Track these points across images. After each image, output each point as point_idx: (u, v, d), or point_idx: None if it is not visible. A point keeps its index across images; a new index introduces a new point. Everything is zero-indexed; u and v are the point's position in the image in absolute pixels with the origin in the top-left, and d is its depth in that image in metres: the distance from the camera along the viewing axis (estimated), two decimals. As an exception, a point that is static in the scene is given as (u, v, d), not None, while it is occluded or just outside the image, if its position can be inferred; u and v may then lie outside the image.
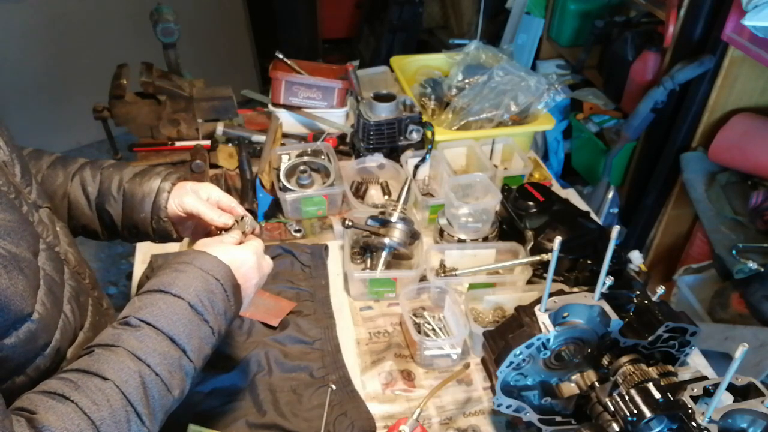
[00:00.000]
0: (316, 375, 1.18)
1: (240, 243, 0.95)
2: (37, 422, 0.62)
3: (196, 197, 1.00)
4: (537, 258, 1.32)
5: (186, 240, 1.26)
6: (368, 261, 1.41)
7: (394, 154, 1.71)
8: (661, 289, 1.01)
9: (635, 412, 0.88)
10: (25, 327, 0.68)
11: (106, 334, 0.74)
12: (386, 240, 1.36)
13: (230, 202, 1.03)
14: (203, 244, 0.90)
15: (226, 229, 0.98)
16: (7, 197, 0.74)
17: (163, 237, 1.03)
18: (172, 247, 1.48)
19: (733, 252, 1.90)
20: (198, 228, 1.05)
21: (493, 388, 1.15)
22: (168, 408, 0.75)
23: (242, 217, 1.00)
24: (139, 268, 1.41)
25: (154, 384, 0.72)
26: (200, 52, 3.42)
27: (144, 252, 1.46)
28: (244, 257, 0.89)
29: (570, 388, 1.03)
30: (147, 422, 0.70)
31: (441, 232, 1.48)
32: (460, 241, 1.45)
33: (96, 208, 1.01)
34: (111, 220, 1.01)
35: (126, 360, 0.70)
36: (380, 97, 1.67)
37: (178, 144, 1.77)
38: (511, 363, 0.96)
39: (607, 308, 0.95)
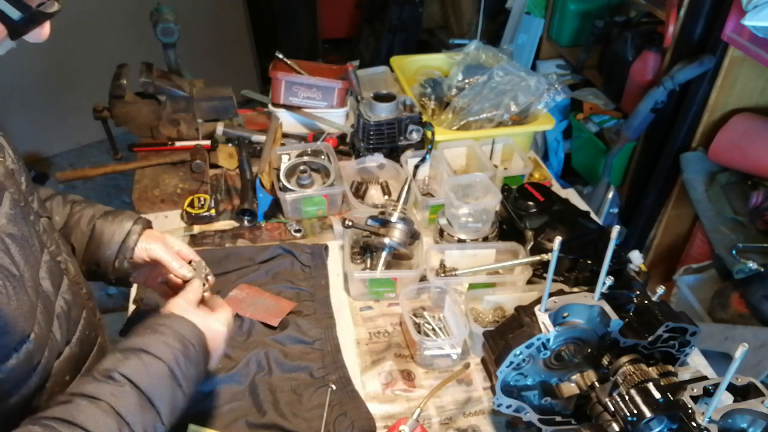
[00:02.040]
0: (316, 375, 1.18)
1: (203, 293, 0.96)
2: None
3: (164, 245, 1.01)
4: (537, 258, 1.32)
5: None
6: (368, 261, 1.41)
7: (394, 154, 1.71)
8: (661, 289, 1.01)
9: (635, 412, 0.88)
10: (24, 348, 0.68)
11: (88, 384, 0.73)
12: (386, 240, 1.36)
13: (189, 252, 1.04)
14: (178, 307, 0.89)
15: (186, 281, 1.00)
16: (19, 206, 0.74)
17: (119, 280, 1.03)
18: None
19: (733, 252, 1.90)
20: (152, 275, 1.06)
21: (493, 388, 1.15)
22: None
23: (190, 261, 1.02)
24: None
25: None
26: (200, 52, 3.42)
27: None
28: (216, 328, 0.90)
29: (570, 388, 1.03)
30: None
31: (441, 232, 1.48)
32: (460, 241, 1.45)
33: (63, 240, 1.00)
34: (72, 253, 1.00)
35: (109, 417, 0.69)
36: (380, 97, 1.67)
37: (178, 144, 1.77)
38: (511, 363, 0.96)
39: (607, 308, 0.95)
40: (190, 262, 1.02)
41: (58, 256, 0.84)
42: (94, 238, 0.99)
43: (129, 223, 1.01)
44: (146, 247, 1.00)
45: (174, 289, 1.04)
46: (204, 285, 0.99)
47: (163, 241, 1.02)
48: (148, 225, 1.04)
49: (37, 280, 0.73)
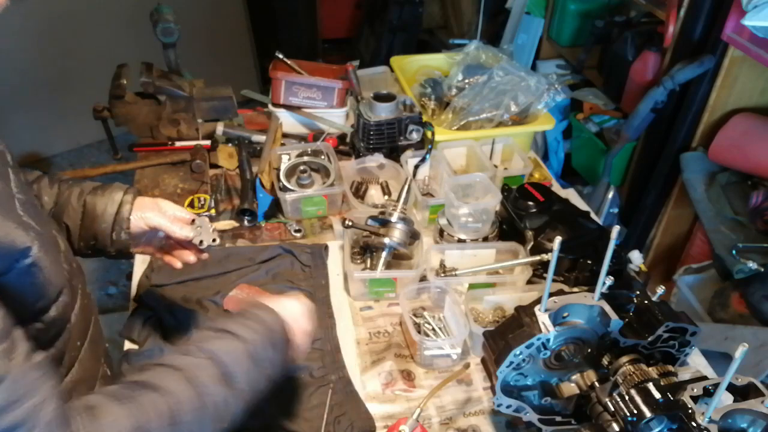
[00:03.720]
0: (316, 375, 1.18)
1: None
2: (96, 414, 0.65)
3: (159, 212, 1.02)
4: (537, 258, 1.32)
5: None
6: (368, 261, 1.41)
7: (394, 154, 1.71)
8: (661, 289, 1.01)
9: (635, 412, 0.88)
10: (61, 300, 0.73)
11: (169, 355, 0.79)
12: (386, 240, 1.36)
13: (184, 213, 1.05)
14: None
15: (189, 241, 1.03)
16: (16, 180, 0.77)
17: (120, 251, 1.03)
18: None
19: (733, 252, 1.90)
20: (153, 241, 1.08)
21: (493, 388, 1.15)
22: None
23: (192, 221, 1.04)
24: (139, 268, 1.41)
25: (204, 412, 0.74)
26: (200, 52, 3.41)
27: (144, 252, 1.45)
28: (293, 308, 0.95)
29: (570, 388, 1.03)
30: None
31: (441, 232, 1.48)
32: (460, 241, 1.45)
33: (52, 218, 1.00)
34: (67, 232, 1.01)
35: (185, 383, 0.73)
36: (380, 97, 1.67)
37: (178, 144, 1.77)
38: (511, 363, 0.96)
39: (607, 308, 0.95)
40: (193, 221, 1.04)
41: (47, 233, 0.87)
42: (87, 214, 1.00)
43: (119, 194, 1.01)
44: (142, 216, 1.01)
45: (177, 252, 1.08)
46: (215, 241, 1.03)
47: (157, 208, 1.03)
48: (138, 193, 1.05)
49: (54, 239, 0.77)
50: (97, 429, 0.64)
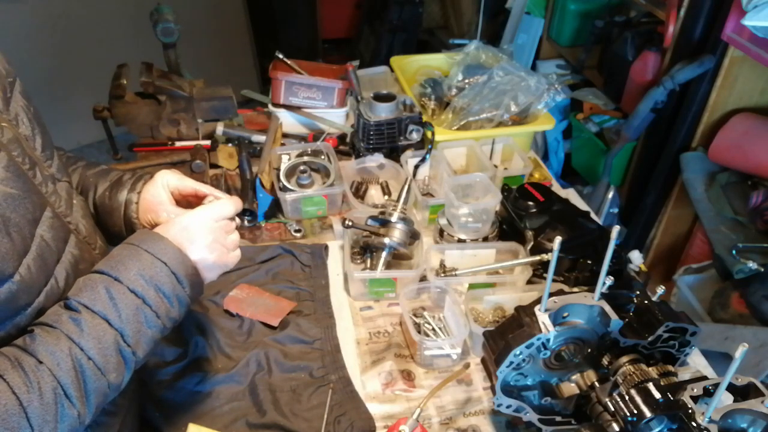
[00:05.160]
0: (316, 375, 1.18)
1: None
2: None
3: (163, 208, 1.01)
4: (537, 258, 1.32)
5: None
6: (368, 261, 1.41)
7: (394, 154, 1.71)
8: (661, 289, 1.01)
9: (635, 412, 0.88)
10: (5, 287, 0.72)
11: (50, 313, 0.77)
12: (386, 240, 1.36)
13: (189, 187, 1.03)
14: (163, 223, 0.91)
15: None
16: (20, 167, 0.79)
17: None
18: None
19: (733, 252, 1.90)
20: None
21: (493, 388, 1.15)
22: (104, 392, 0.77)
23: (205, 197, 1.02)
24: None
25: (87, 367, 0.74)
26: (200, 52, 3.42)
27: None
28: (197, 232, 0.89)
29: (570, 388, 1.03)
30: (77, 404, 0.73)
31: (441, 232, 1.48)
32: (460, 241, 1.45)
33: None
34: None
35: (61, 343, 0.73)
36: (380, 97, 1.67)
37: (178, 144, 1.77)
38: (511, 363, 0.96)
39: (607, 308, 0.95)
40: (205, 197, 1.03)
41: (68, 217, 0.89)
42: (101, 215, 1.04)
43: (123, 193, 1.03)
44: (152, 219, 1.02)
45: None
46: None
47: (163, 206, 1.02)
48: (144, 184, 1.04)
49: (29, 229, 0.77)
50: None
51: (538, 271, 1.36)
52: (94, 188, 1.05)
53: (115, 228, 1.03)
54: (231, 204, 0.95)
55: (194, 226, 0.89)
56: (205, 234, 0.90)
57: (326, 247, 1.49)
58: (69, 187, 0.94)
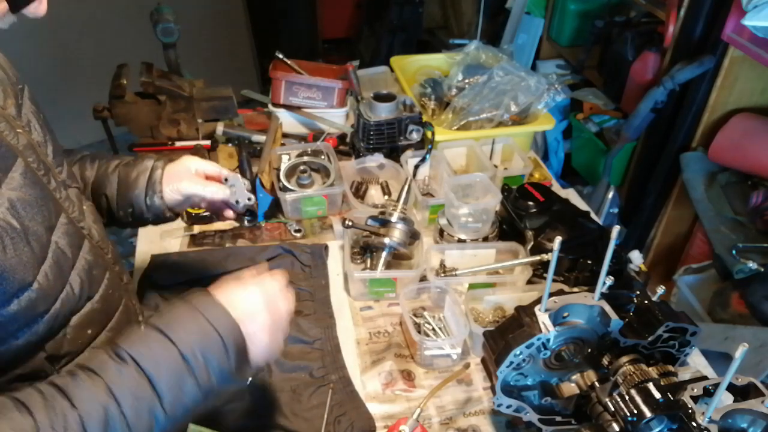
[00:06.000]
0: (316, 375, 1.18)
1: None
2: None
3: (190, 179, 1.08)
4: (537, 258, 1.32)
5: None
6: (368, 261, 1.41)
7: (394, 154, 1.71)
8: (661, 289, 1.01)
9: (635, 412, 0.88)
10: (26, 295, 0.73)
11: (98, 358, 0.73)
12: (386, 240, 1.36)
13: (215, 169, 1.12)
14: (219, 287, 0.84)
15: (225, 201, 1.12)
16: (35, 173, 0.80)
17: (157, 217, 1.09)
18: (173, 247, 1.49)
19: (733, 252, 1.90)
20: (191, 205, 1.15)
21: (493, 388, 1.15)
22: None
23: (225, 179, 1.10)
24: (139, 268, 1.41)
25: (118, 423, 0.69)
26: (200, 52, 3.41)
27: (144, 252, 1.46)
28: (255, 311, 0.83)
29: (570, 388, 1.03)
30: None
31: (441, 232, 1.48)
32: (460, 241, 1.45)
33: (93, 192, 1.07)
34: (107, 203, 1.07)
35: (100, 394, 0.69)
36: (380, 97, 1.67)
37: (178, 144, 1.77)
38: (511, 363, 0.96)
39: (607, 308, 0.95)
40: (226, 180, 1.10)
41: (81, 222, 0.90)
42: (121, 183, 1.06)
43: (150, 161, 1.09)
44: (176, 188, 1.07)
45: (215, 209, 1.16)
46: (250, 200, 1.10)
47: (188, 174, 1.08)
48: (169, 161, 1.10)
49: (47, 236, 0.78)
50: None
51: (538, 271, 1.36)
52: (118, 160, 1.09)
53: (135, 191, 1.05)
54: (282, 275, 0.91)
55: (254, 300, 0.84)
56: (265, 314, 0.84)
57: (326, 247, 1.49)
58: (78, 192, 0.96)
